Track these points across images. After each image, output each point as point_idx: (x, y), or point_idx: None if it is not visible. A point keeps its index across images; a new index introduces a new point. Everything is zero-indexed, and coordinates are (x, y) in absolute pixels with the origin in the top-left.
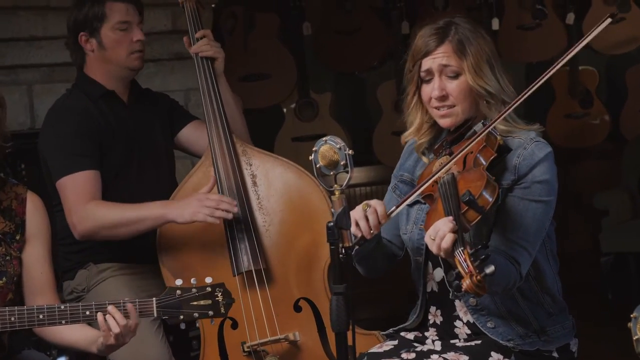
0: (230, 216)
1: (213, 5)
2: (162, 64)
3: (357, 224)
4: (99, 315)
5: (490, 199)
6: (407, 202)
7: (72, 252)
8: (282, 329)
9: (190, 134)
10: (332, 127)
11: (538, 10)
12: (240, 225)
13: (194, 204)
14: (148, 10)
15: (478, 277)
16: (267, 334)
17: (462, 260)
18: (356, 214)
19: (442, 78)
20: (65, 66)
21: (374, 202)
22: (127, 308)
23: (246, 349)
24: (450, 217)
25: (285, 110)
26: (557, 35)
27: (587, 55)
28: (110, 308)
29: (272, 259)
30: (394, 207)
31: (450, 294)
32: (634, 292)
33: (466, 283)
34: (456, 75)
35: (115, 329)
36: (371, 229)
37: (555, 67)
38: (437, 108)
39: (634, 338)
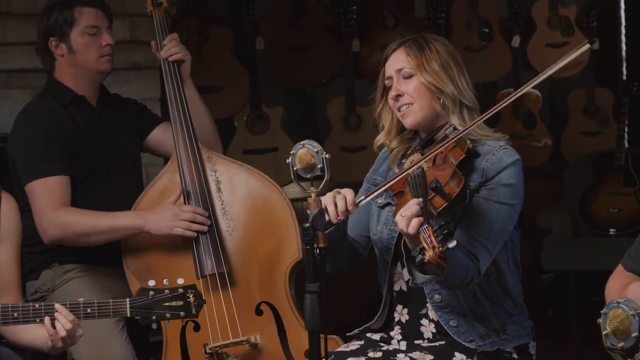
0: (205, 229)
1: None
2: (118, 73)
3: (325, 209)
4: (46, 320)
5: (457, 188)
6: (377, 195)
7: (36, 253)
8: (244, 331)
9: (160, 136)
10: (283, 141)
11: (484, 33)
12: (205, 230)
13: (170, 218)
14: None
15: (440, 249)
16: (229, 336)
17: (427, 236)
18: (325, 199)
19: (399, 80)
20: (23, 72)
21: (344, 190)
22: (57, 309)
23: (208, 351)
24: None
25: (236, 123)
26: (503, 57)
27: (531, 78)
28: (57, 306)
29: (234, 263)
30: (362, 197)
31: (410, 281)
32: (573, 309)
33: (429, 254)
34: (410, 76)
35: (62, 332)
36: (338, 215)
37: (534, 81)
38: (399, 109)
39: (603, 333)
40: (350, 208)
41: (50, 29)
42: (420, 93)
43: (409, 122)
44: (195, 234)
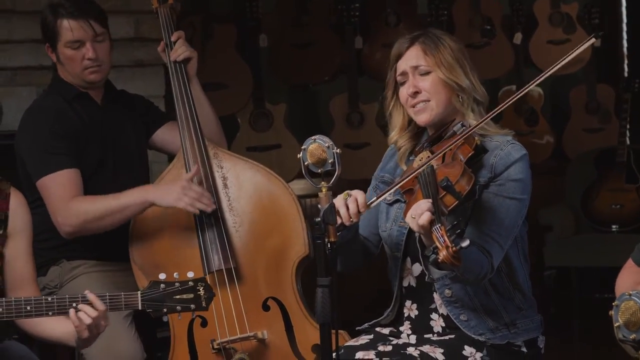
0: (209, 209)
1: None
2: (122, 70)
3: (337, 212)
4: (71, 311)
5: (467, 187)
6: (388, 194)
7: (44, 249)
8: (251, 327)
9: (166, 135)
10: (287, 137)
11: (486, 30)
12: (212, 226)
13: (177, 190)
14: (111, 17)
15: (454, 249)
16: (236, 332)
17: (439, 235)
18: (337, 202)
19: (416, 77)
20: (29, 70)
21: (355, 192)
22: (89, 299)
23: (215, 347)
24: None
25: (240, 120)
26: (505, 54)
27: (533, 75)
28: (89, 295)
29: (241, 258)
30: (374, 198)
31: (427, 277)
32: (575, 305)
33: (443, 254)
34: (427, 73)
35: (87, 320)
36: (351, 217)
37: (545, 74)
38: (413, 106)
39: (615, 325)
40: (362, 210)
41: (44, 35)
42: (438, 89)
43: (424, 118)
44: (198, 211)
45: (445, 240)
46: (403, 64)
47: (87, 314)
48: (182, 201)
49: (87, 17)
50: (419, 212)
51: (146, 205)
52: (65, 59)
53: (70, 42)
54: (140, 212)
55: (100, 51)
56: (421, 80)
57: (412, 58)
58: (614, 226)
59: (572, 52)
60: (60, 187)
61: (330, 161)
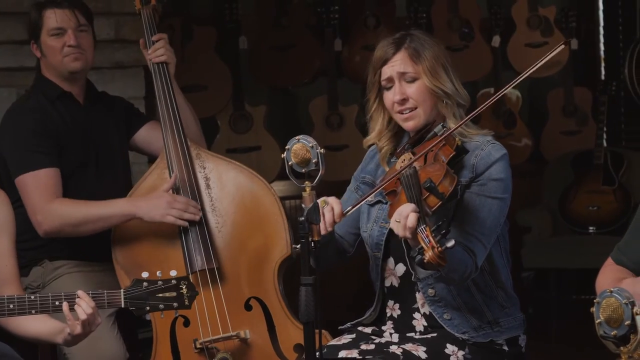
0: (197, 218)
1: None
2: (103, 72)
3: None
4: (64, 305)
5: (450, 187)
6: (365, 201)
7: (26, 249)
8: (233, 326)
9: (147, 135)
10: (266, 139)
11: (465, 33)
12: (194, 226)
13: (164, 205)
14: None
15: (439, 249)
16: (218, 331)
17: (425, 236)
18: None
19: (402, 83)
20: (10, 71)
21: (332, 200)
22: (80, 296)
23: (198, 346)
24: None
25: (219, 122)
26: (483, 57)
27: (511, 77)
28: (80, 292)
29: (224, 258)
30: (350, 207)
31: (413, 276)
32: (553, 307)
33: (428, 254)
34: (414, 80)
35: (83, 316)
36: (327, 227)
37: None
38: (400, 112)
39: (597, 322)
40: (337, 220)
41: (30, 32)
42: (425, 96)
43: (411, 125)
44: (187, 224)
45: (430, 241)
46: (389, 70)
47: (83, 309)
48: (170, 216)
49: (72, 7)
50: (404, 215)
51: (130, 218)
52: (47, 48)
53: (54, 29)
54: (122, 223)
55: (82, 40)
56: (408, 87)
57: (398, 64)
58: (591, 228)
59: (546, 56)
60: (40, 185)
61: (314, 161)
